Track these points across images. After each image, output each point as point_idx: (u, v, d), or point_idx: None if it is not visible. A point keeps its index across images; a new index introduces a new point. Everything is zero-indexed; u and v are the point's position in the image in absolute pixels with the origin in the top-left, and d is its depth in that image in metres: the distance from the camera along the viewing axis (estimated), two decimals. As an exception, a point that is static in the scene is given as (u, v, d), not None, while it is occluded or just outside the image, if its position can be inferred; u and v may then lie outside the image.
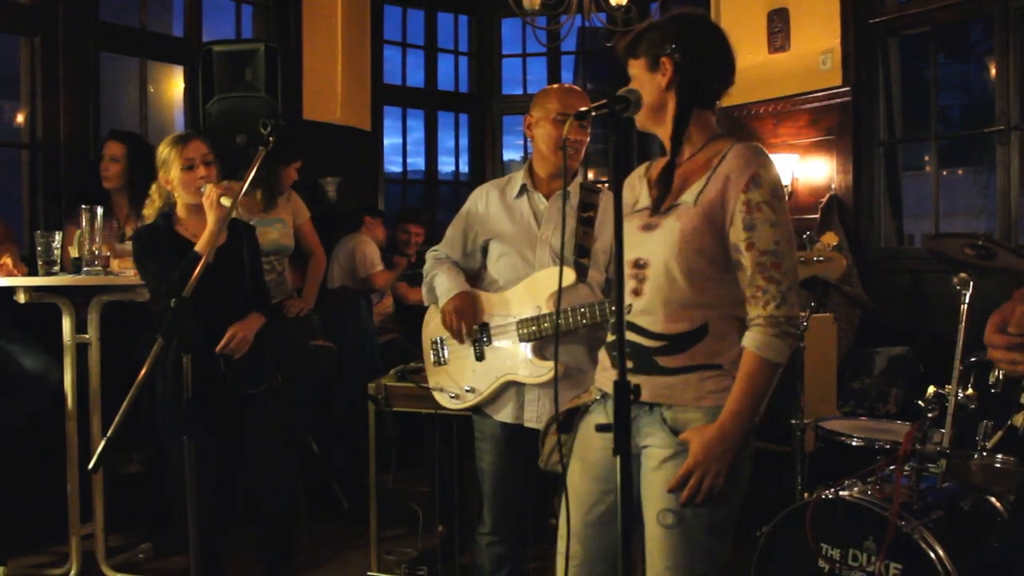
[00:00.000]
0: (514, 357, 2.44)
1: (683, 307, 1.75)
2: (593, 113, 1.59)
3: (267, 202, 3.77)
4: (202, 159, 2.71)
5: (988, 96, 5.07)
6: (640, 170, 1.97)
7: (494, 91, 6.62)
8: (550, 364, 2.36)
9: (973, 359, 2.48)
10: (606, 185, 2.55)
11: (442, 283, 2.53)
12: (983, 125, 4.81)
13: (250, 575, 2.95)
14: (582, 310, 2.30)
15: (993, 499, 2.49)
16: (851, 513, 2.39)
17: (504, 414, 2.47)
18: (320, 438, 3.98)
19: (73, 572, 3.28)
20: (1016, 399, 2.44)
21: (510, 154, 7.67)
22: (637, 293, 1.79)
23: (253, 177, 2.44)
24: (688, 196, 1.76)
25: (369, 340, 4.38)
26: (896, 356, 4.45)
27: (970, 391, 2.44)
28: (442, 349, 2.62)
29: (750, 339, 1.70)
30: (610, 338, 1.91)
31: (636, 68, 1.84)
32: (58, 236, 3.23)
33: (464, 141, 6.68)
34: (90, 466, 2.06)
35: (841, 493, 2.44)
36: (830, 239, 2.92)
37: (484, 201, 2.57)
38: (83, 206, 3.16)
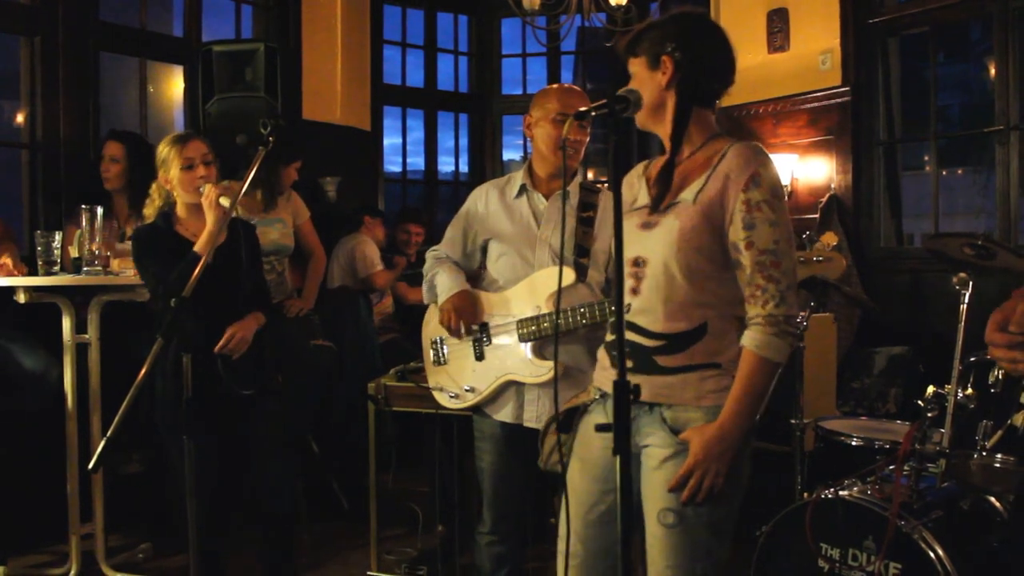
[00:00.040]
0: (514, 357, 2.44)
1: (682, 306, 1.75)
2: (593, 113, 1.60)
3: (267, 202, 3.77)
4: (202, 159, 2.71)
5: (988, 96, 5.07)
6: (639, 168, 1.96)
7: (494, 91, 6.62)
8: (550, 364, 2.36)
9: (973, 359, 2.49)
10: (606, 185, 2.55)
11: (443, 282, 2.54)
12: (982, 125, 4.82)
13: (250, 575, 2.96)
14: (582, 310, 2.30)
15: (992, 499, 2.49)
16: (851, 513, 2.40)
17: (504, 414, 2.47)
18: (320, 438, 3.97)
19: (73, 572, 3.28)
20: (1016, 399, 2.44)
21: (510, 154, 7.68)
22: (635, 292, 1.79)
23: (253, 177, 2.44)
24: (687, 194, 1.77)
25: (369, 340, 4.38)
26: (896, 356, 4.45)
27: (969, 391, 2.44)
28: (442, 349, 2.63)
29: (749, 338, 1.70)
30: (609, 337, 1.91)
31: (636, 66, 1.84)
32: (58, 236, 3.23)
33: (464, 141, 6.68)
34: (90, 466, 2.07)
35: (841, 493, 2.44)
36: (830, 239, 2.92)
37: (484, 201, 2.57)
38: (83, 206, 3.16)
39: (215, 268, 2.37)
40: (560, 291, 1.93)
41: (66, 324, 3.24)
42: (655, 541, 1.76)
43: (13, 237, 3.50)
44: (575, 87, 2.61)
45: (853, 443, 2.90)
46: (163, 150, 2.74)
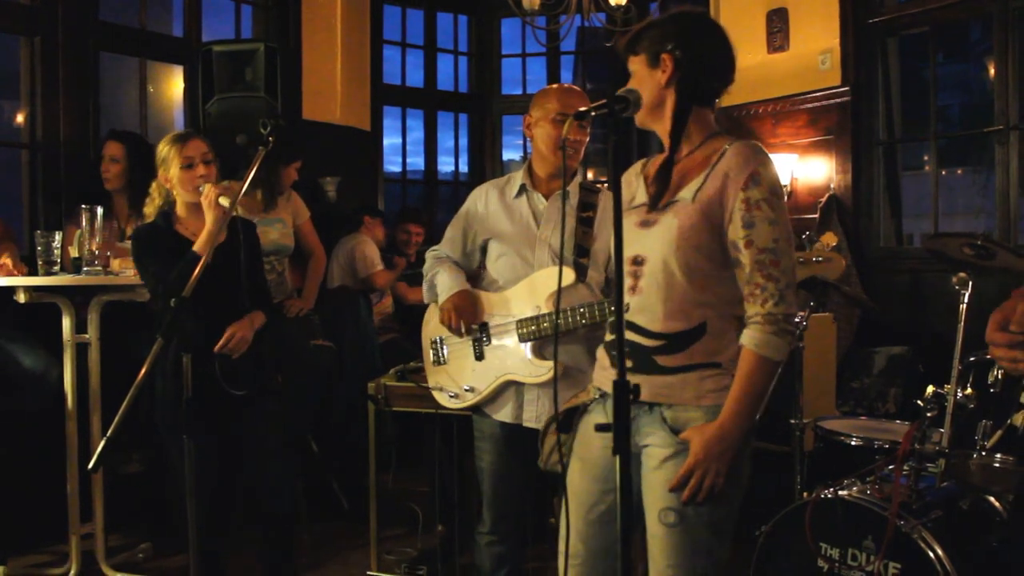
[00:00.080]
0: (513, 357, 2.44)
1: (681, 305, 1.75)
2: (592, 113, 1.60)
3: (267, 202, 3.77)
4: (202, 158, 2.71)
5: (987, 96, 5.07)
6: (637, 167, 1.96)
7: (494, 91, 6.62)
8: (549, 364, 2.36)
9: (972, 359, 2.49)
10: (605, 185, 2.55)
11: (443, 281, 2.54)
12: (982, 125, 4.82)
13: (250, 575, 2.96)
14: (581, 310, 2.30)
15: (992, 498, 2.49)
16: (850, 513, 2.40)
17: (503, 414, 2.47)
18: (320, 438, 3.98)
19: (73, 572, 3.28)
20: (1016, 398, 2.44)
21: (509, 154, 7.68)
22: (634, 291, 1.79)
23: (253, 177, 2.44)
24: (686, 193, 1.77)
25: (369, 340, 4.38)
26: (895, 356, 4.45)
27: (969, 391, 2.44)
28: (441, 349, 2.63)
29: (748, 337, 1.70)
30: (609, 337, 1.91)
31: (636, 64, 1.84)
32: (58, 236, 3.23)
33: (464, 141, 6.69)
34: (90, 466, 2.07)
35: (840, 493, 2.44)
36: (829, 239, 2.92)
37: (483, 201, 2.58)
38: (83, 206, 3.16)
39: (215, 268, 2.37)
40: (560, 291, 1.93)
41: (66, 324, 3.24)
42: (656, 540, 1.76)
43: (13, 237, 3.51)
44: (575, 87, 2.61)
45: (853, 443, 2.90)
46: (163, 149, 2.74)
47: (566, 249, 2.35)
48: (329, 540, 3.79)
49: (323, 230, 4.20)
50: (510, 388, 2.46)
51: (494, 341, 2.49)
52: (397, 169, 6.66)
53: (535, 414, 2.41)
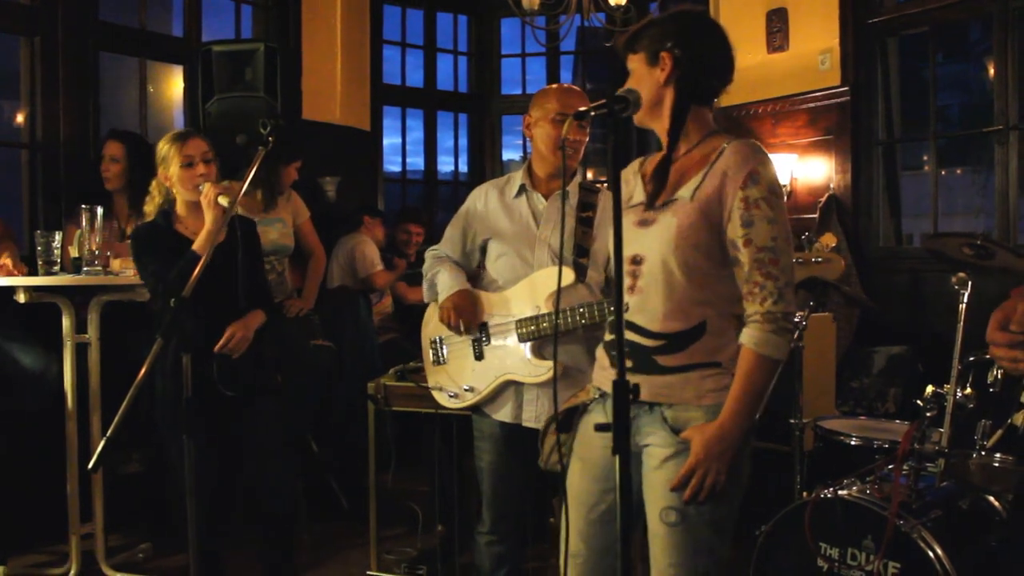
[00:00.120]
0: (513, 357, 2.44)
1: (680, 304, 1.75)
2: (592, 113, 1.60)
3: (267, 202, 3.77)
4: (202, 157, 2.71)
5: (987, 96, 5.07)
6: (634, 165, 1.96)
7: (493, 91, 6.62)
8: (549, 364, 2.36)
9: (972, 358, 2.49)
10: (605, 185, 2.55)
11: (444, 280, 2.54)
12: (982, 125, 4.82)
13: (250, 575, 2.96)
14: (581, 310, 2.30)
15: (991, 498, 2.50)
16: (850, 512, 2.40)
17: (503, 413, 2.47)
18: (320, 438, 3.98)
19: (73, 571, 3.28)
20: (1016, 398, 2.44)
21: (509, 154, 7.68)
22: (633, 290, 1.79)
23: (253, 177, 2.44)
24: (685, 192, 1.77)
25: (368, 340, 4.38)
26: (895, 355, 4.45)
27: (968, 390, 2.44)
28: (441, 348, 2.63)
29: (748, 336, 1.70)
30: (608, 337, 1.91)
31: (635, 62, 1.84)
32: (58, 236, 3.23)
33: (463, 141, 6.69)
34: (90, 466, 2.07)
35: (840, 492, 2.44)
36: (828, 240, 2.92)
37: (483, 200, 2.58)
38: (83, 206, 3.16)
39: (214, 267, 2.37)
40: (559, 291, 1.93)
41: (66, 324, 3.24)
42: (657, 540, 1.77)
43: (13, 237, 3.51)
44: (574, 87, 2.61)
45: (852, 443, 2.90)
46: (163, 147, 2.74)
47: (566, 249, 2.36)
48: (329, 540, 3.79)
49: (323, 230, 4.20)
50: (509, 388, 2.46)
51: (494, 341, 2.49)
52: (397, 169, 6.67)
53: (534, 414, 2.41)
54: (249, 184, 2.50)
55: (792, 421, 3.08)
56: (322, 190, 5.13)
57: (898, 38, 4.96)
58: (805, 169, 5.02)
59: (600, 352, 1.94)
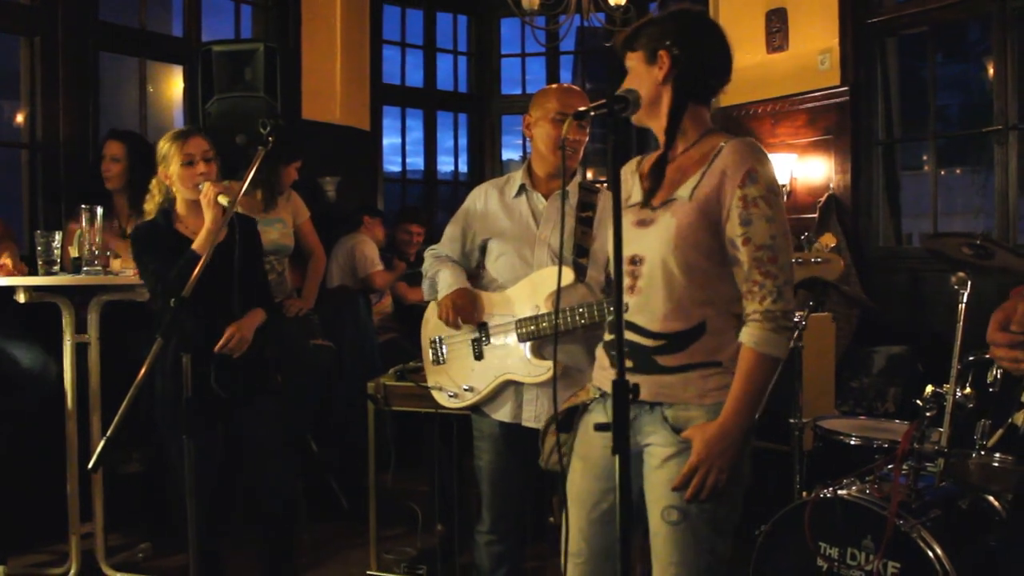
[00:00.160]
0: (513, 356, 2.44)
1: (680, 304, 1.75)
2: (592, 113, 1.60)
3: (267, 202, 3.77)
4: (202, 155, 2.70)
5: (986, 96, 5.07)
6: (631, 164, 1.96)
7: (493, 91, 6.62)
8: (548, 364, 2.36)
9: (971, 358, 2.49)
10: (604, 185, 2.56)
11: (444, 278, 2.54)
12: (981, 125, 4.82)
13: (250, 575, 2.96)
14: (580, 310, 2.30)
15: (991, 498, 2.50)
16: (849, 512, 2.40)
17: (502, 413, 2.48)
18: (320, 438, 3.98)
19: (73, 571, 3.28)
20: (1016, 398, 2.44)
21: (509, 154, 7.68)
22: (632, 290, 1.79)
23: (253, 177, 2.44)
24: (683, 191, 1.77)
25: (368, 339, 4.38)
26: (895, 355, 4.45)
27: (968, 390, 2.44)
28: (441, 348, 2.63)
29: (747, 335, 1.70)
30: (608, 337, 1.91)
31: (633, 61, 1.84)
32: (58, 236, 3.23)
33: (463, 141, 6.69)
34: (90, 465, 2.07)
35: (839, 492, 2.45)
36: (828, 240, 2.92)
37: (483, 200, 2.58)
38: (83, 206, 3.16)
39: (214, 267, 2.37)
40: (559, 291, 1.93)
41: (66, 324, 3.24)
42: (659, 538, 1.77)
43: (13, 237, 3.51)
44: (574, 87, 2.62)
45: (852, 442, 2.90)
46: (164, 146, 2.74)
47: (565, 249, 2.36)
48: (329, 540, 3.79)
49: (323, 230, 4.20)
50: (509, 388, 2.46)
51: (493, 341, 2.49)
52: (397, 169, 6.67)
53: (534, 414, 2.41)
54: (249, 184, 2.50)
55: (792, 421, 3.08)
56: (322, 190, 5.13)
57: (897, 38, 4.96)
58: (805, 169, 5.02)
59: (600, 352, 1.94)
